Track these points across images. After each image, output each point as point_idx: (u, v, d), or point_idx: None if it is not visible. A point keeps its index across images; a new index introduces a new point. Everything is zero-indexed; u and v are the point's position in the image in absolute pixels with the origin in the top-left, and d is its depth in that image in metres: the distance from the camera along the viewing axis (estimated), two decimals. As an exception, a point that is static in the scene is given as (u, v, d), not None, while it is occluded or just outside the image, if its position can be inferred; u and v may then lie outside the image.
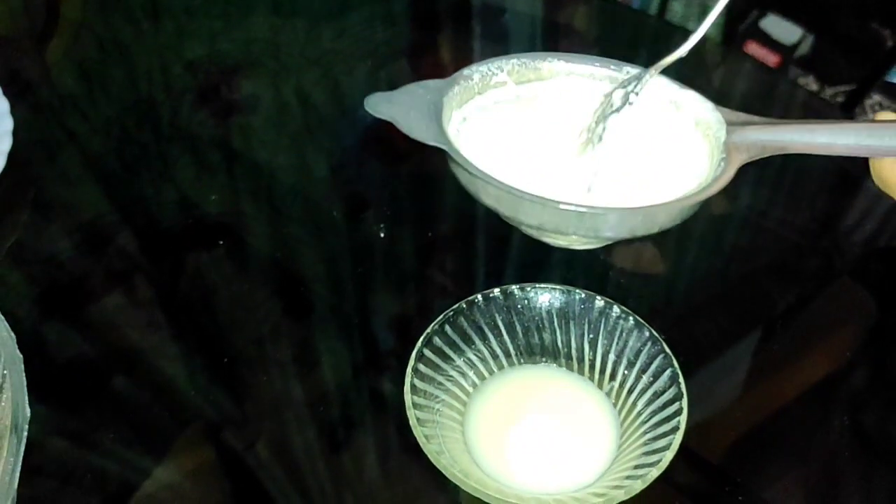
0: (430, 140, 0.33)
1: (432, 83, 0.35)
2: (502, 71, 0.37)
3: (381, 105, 0.34)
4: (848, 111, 0.75)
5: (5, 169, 0.54)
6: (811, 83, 0.82)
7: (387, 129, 0.62)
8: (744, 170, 0.37)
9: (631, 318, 0.40)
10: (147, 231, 0.55)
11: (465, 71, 0.36)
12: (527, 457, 0.39)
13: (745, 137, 0.33)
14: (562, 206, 0.31)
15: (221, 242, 0.53)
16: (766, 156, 0.34)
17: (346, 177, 0.60)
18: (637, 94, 0.34)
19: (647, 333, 0.40)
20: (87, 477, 0.42)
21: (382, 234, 0.52)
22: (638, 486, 0.34)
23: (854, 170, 0.55)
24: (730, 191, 0.34)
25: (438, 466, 0.35)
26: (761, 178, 0.53)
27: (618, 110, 0.34)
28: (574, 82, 0.37)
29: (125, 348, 0.48)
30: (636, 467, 0.36)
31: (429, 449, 0.36)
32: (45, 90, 0.68)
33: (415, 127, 0.33)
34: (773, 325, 0.49)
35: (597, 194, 0.34)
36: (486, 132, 0.37)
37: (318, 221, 0.56)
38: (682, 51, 0.34)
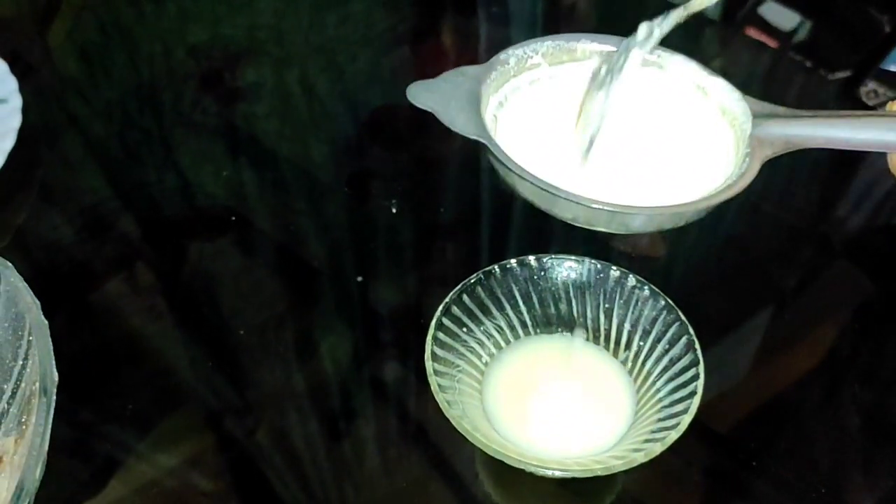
0: (470, 133, 0.34)
1: (471, 70, 0.36)
2: (537, 53, 0.38)
3: (421, 95, 0.35)
4: (844, 98, 0.75)
5: (13, 150, 0.54)
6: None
7: (390, 115, 0.63)
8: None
9: (646, 287, 0.41)
10: (149, 217, 0.55)
11: (502, 55, 0.37)
12: (544, 424, 0.39)
13: (770, 132, 0.34)
14: (594, 206, 0.32)
15: (234, 218, 0.54)
16: (789, 151, 0.34)
17: (351, 162, 0.60)
18: (661, 29, 0.35)
19: (662, 302, 0.40)
20: (88, 462, 0.42)
21: (394, 210, 0.53)
22: (658, 449, 0.35)
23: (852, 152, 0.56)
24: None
25: (461, 430, 0.36)
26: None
27: (640, 44, 0.35)
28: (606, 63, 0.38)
29: (127, 335, 0.48)
30: (654, 431, 0.37)
31: (451, 414, 0.36)
32: (47, 73, 0.68)
33: (455, 119, 0.34)
34: (775, 307, 0.50)
35: (622, 184, 0.34)
36: (522, 114, 0.38)
37: (324, 204, 0.56)
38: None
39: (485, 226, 0.53)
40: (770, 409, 0.45)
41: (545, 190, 0.32)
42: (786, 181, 0.58)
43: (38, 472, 0.32)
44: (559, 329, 0.43)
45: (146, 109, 0.64)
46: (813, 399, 0.45)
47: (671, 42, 0.69)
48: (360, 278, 0.50)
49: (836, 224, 0.55)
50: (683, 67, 0.37)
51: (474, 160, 0.55)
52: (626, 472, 0.41)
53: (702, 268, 0.52)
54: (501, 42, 0.70)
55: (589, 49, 0.38)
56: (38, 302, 0.36)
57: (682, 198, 0.33)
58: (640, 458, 0.35)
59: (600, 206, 0.32)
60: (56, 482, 0.40)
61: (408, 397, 0.45)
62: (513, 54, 0.37)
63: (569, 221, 0.35)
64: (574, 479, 0.40)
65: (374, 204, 0.55)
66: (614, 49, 0.37)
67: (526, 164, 0.34)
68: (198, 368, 0.46)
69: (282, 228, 0.54)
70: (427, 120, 0.60)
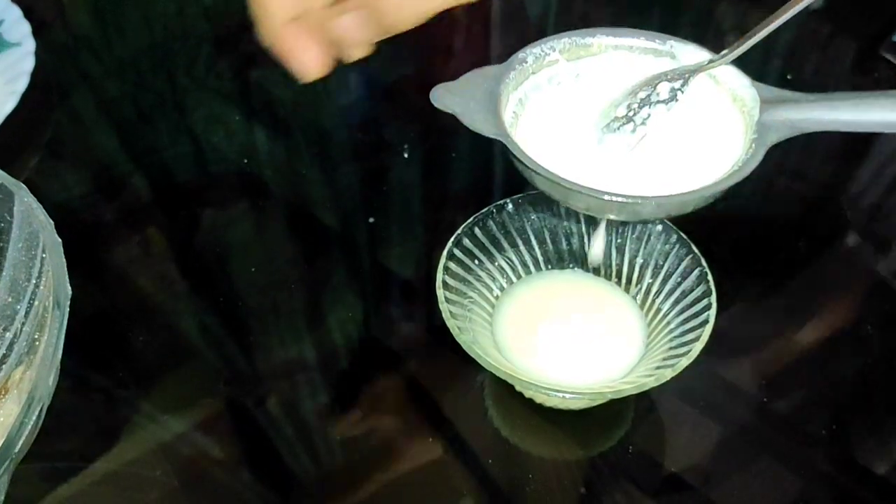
0: (489, 133, 0.35)
1: (491, 70, 0.38)
2: (555, 50, 0.39)
3: (444, 97, 0.36)
4: (858, 68, 0.75)
5: (25, 93, 0.54)
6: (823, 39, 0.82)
7: (403, 84, 0.62)
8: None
9: (659, 222, 0.41)
10: (161, 180, 0.55)
11: (520, 54, 0.38)
12: (555, 357, 0.39)
13: (776, 118, 0.35)
14: (605, 197, 0.33)
15: (245, 161, 0.53)
16: (794, 135, 0.35)
17: (364, 114, 0.59)
18: (683, 91, 0.37)
19: (674, 237, 0.40)
20: (96, 426, 0.42)
21: (406, 155, 0.53)
22: (668, 374, 0.35)
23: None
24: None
25: (472, 354, 0.36)
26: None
27: (665, 101, 0.37)
28: (622, 55, 0.39)
29: (137, 300, 0.48)
30: (665, 360, 0.37)
31: (462, 339, 0.36)
32: (59, 28, 0.68)
33: (475, 119, 0.36)
34: (786, 271, 0.49)
35: (636, 170, 0.36)
36: (542, 110, 0.39)
37: (337, 154, 0.56)
38: (735, 53, 0.36)
39: (497, 170, 0.53)
40: (778, 358, 0.45)
41: (559, 184, 0.34)
42: (801, 155, 0.57)
43: (50, 380, 0.32)
44: (571, 265, 0.43)
45: (159, 70, 0.63)
46: (820, 352, 0.45)
47: (687, 16, 0.68)
48: (371, 219, 0.50)
49: (851, 198, 0.55)
50: (695, 56, 0.38)
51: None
52: (632, 414, 0.41)
53: (712, 237, 0.52)
54: (515, 8, 0.70)
55: (605, 43, 0.39)
56: (51, 221, 0.36)
57: (693, 184, 0.34)
58: (651, 382, 0.35)
59: (611, 198, 0.33)
60: (64, 444, 0.40)
61: (419, 338, 0.45)
62: (530, 53, 0.38)
63: (583, 211, 0.37)
64: (580, 419, 0.41)
65: (386, 149, 0.55)
66: (628, 41, 0.39)
67: (545, 155, 0.36)
68: (208, 335, 0.46)
69: (294, 178, 0.54)
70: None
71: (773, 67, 0.64)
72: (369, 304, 0.47)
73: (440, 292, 0.38)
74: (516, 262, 0.42)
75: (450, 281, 0.39)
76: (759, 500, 0.39)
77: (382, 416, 0.42)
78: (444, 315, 0.37)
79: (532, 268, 0.43)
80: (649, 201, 0.33)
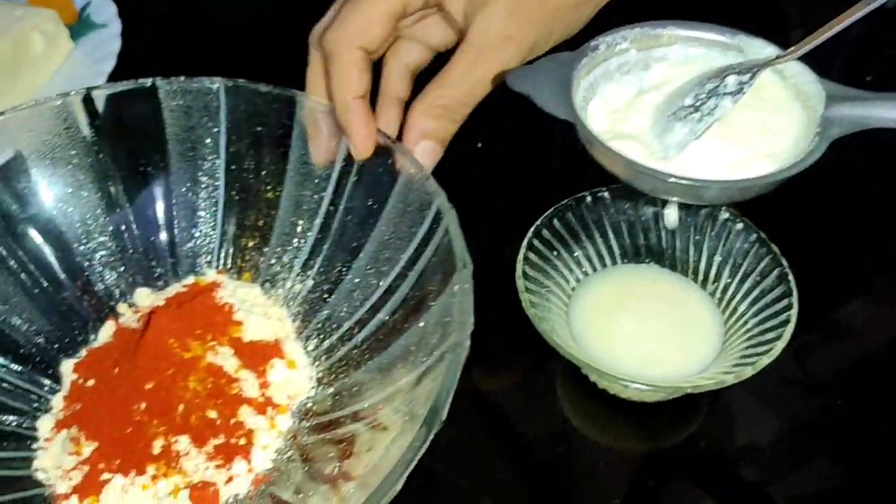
0: (561, 114, 0.37)
1: (564, 56, 0.39)
2: (626, 40, 0.41)
3: (519, 80, 0.38)
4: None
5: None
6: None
7: None
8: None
9: (739, 221, 0.41)
10: None
11: (592, 42, 0.40)
12: (631, 350, 0.40)
13: (840, 113, 0.36)
14: (670, 180, 0.35)
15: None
16: (855, 131, 0.36)
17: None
18: (750, 85, 0.38)
19: (754, 235, 0.40)
20: None
21: (479, 145, 0.53)
22: (748, 372, 0.35)
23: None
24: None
25: (550, 343, 0.36)
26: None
27: (731, 94, 0.38)
28: (690, 48, 0.41)
29: None
30: (742, 358, 0.37)
31: (541, 328, 0.37)
32: (145, 9, 0.69)
33: (548, 102, 0.38)
34: (865, 275, 0.49)
35: (699, 157, 0.38)
36: (610, 96, 0.41)
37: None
38: (803, 49, 0.37)
39: (576, 161, 0.53)
40: (854, 359, 0.44)
41: (624, 164, 0.36)
42: (887, 153, 0.56)
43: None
44: (647, 260, 0.43)
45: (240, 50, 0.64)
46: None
47: (752, 12, 0.67)
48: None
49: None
50: (762, 51, 0.39)
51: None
52: (705, 409, 0.41)
53: (793, 236, 0.51)
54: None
55: (675, 35, 0.41)
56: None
57: (754, 172, 0.35)
58: (731, 379, 0.35)
59: (674, 180, 0.35)
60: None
61: (493, 327, 0.46)
62: (603, 41, 0.40)
63: (648, 192, 0.38)
64: (650, 413, 0.41)
65: (460, 139, 0.55)
66: (698, 34, 0.40)
67: (612, 139, 0.37)
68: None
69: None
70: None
71: (852, 68, 0.63)
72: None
73: (520, 282, 0.38)
74: (593, 254, 0.43)
75: (529, 271, 0.39)
76: (829, 500, 0.39)
77: (453, 402, 0.42)
78: (524, 304, 0.38)
79: (608, 261, 0.43)
80: (712, 185, 0.35)
